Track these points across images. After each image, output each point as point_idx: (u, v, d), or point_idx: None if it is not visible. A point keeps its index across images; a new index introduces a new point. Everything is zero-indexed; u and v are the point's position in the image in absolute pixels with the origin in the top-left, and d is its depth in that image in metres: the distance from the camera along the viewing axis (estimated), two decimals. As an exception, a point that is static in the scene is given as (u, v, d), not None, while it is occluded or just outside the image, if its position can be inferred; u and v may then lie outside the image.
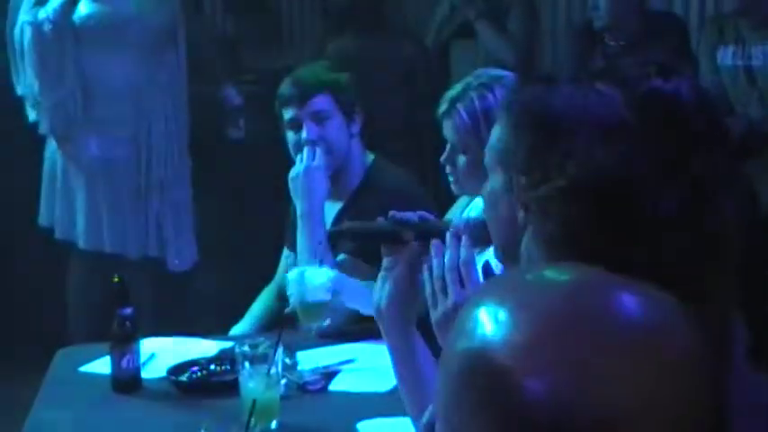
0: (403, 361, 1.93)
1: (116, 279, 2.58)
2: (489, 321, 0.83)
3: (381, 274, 1.91)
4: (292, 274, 2.61)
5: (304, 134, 2.98)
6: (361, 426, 2.30)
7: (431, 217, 1.92)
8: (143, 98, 4.00)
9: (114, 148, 3.98)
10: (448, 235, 1.80)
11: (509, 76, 2.59)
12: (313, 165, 2.95)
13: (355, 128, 3.04)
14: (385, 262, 1.91)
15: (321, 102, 2.99)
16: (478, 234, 1.74)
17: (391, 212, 1.93)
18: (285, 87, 3.03)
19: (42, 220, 4.12)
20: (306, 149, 2.97)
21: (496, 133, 1.43)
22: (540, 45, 4.99)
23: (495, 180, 1.44)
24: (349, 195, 3.05)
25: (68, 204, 4.03)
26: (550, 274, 0.88)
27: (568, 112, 1.36)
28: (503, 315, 0.83)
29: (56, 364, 2.76)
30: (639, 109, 1.21)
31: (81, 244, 4.01)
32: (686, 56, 4.25)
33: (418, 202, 2.91)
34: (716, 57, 4.25)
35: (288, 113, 3.01)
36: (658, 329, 0.83)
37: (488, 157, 1.42)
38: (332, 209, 3.05)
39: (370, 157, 3.10)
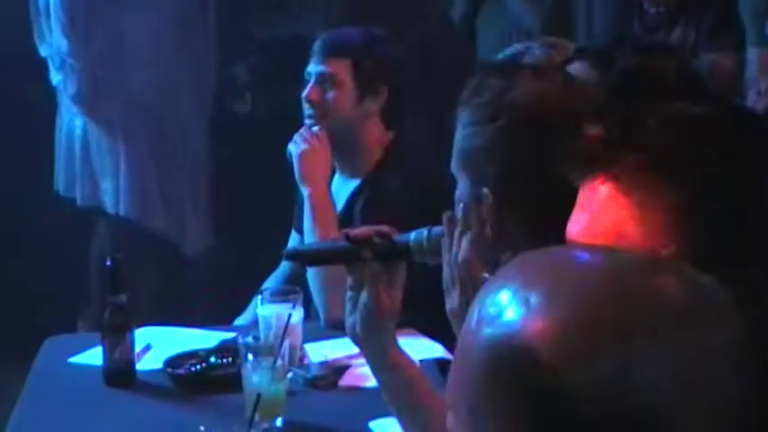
0: (389, 382, 1.92)
1: (108, 262, 2.57)
2: (517, 305, 0.80)
3: (348, 295, 1.90)
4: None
5: (305, 91, 2.98)
6: (373, 424, 2.29)
7: (388, 230, 1.89)
8: (170, 65, 4.04)
9: (139, 115, 4.01)
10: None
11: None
12: (312, 146, 2.94)
13: (372, 104, 3.00)
14: (349, 281, 1.91)
15: (336, 66, 2.98)
16: (440, 248, 1.73)
17: (344, 231, 1.93)
18: (316, 42, 3.04)
19: (63, 190, 4.18)
20: (301, 130, 2.97)
21: (458, 133, 1.44)
22: (573, 12, 4.96)
23: (462, 185, 1.46)
24: (366, 174, 3.04)
25: (90, 170, 4.08)
26: (583, 254, 0.87)
27: (537, 109, 1.37)
28: (534, 298, 0.80)
29: (43, 355, 2.74)
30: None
31: (108, 209, 4.08)
32: (731, 25, 4.21)
33: (437, 185, 2.91)
34: (764, 25, 4.22)
35: (308, 67, 3.02)
36: (701, 314, 0.82)
37: (454, 160, 1.44)
38: (348, 186, 3.04)
39: (390, 135, 3.08)
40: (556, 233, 1.14)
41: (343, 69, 2.98)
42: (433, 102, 4.56)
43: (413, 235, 1.83)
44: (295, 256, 2.30)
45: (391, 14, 4.57)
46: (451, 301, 1.73)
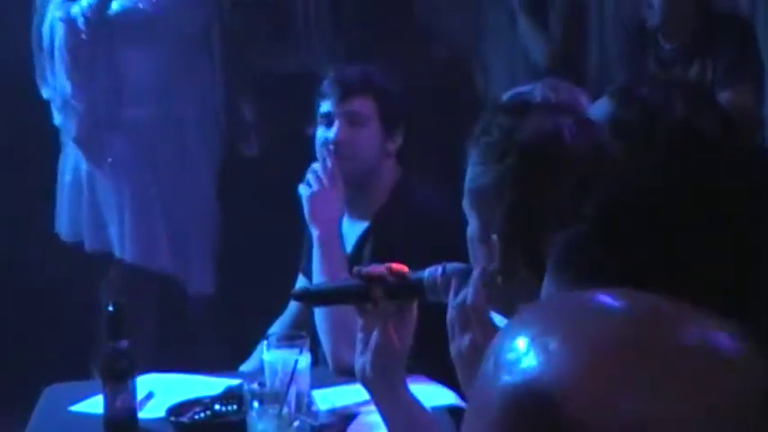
0: (399, 428, 1.91)
1: (110, 307, 2.57)
2: (536, 352, 0.79)
3: (359, 336, 1.90)
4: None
5: (332, 133, 2.97)
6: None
7: (401, 267, 1.89)
8: (174, 99, 4.06)
9: (143, 152, 4.03)
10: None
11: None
12: (325, 188, 2.94)
13: (392, 146, 3.02)
14: (360, 322, 1.90)
15: (362, 104, 2.98)
16: (457, 283, 1.73)
17: (356, 268, 1.92)
18: (329, 80, 3.02)
19: (66, 235, 4.18)
20: (316, 168, 2.96)
21: (468, 172, 1.45)
22: (585, 47, 4.98)
23: (472, 225, 1.48)
24: (374, 214, 3.04)
25: (96, 213, 4.11)
26: (605, 298, 0.86)
27: (546, 149, 1.39)
28: (553, 344, 0.79)
29: (43, 403, 2.74)
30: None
31: (117, 253, 4.10)
32: (750, 61, 4.21)
33: (448, 225, 2.91)
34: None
35: (324, 107, 3.00)
36: (727, 364, 0.81)
37: (464, 198, 1.46)
38: (356, 227, 3.04)
39: (400, 173, 3.08)
40: (568, 269, 1.14)
41: (369, 107, 2.98)
42: (442, 139, 4.58)
43: (426, 272, 1.83)
44: (304, 295, 2.29)
45: (399, 50, 4.59)
46: (457, 344, 1.72)
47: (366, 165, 2.99)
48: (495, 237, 1.41)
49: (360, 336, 1.89)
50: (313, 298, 2.23)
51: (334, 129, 2.97)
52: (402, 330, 1.86)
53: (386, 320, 1.85)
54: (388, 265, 1.88)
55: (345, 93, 2.97)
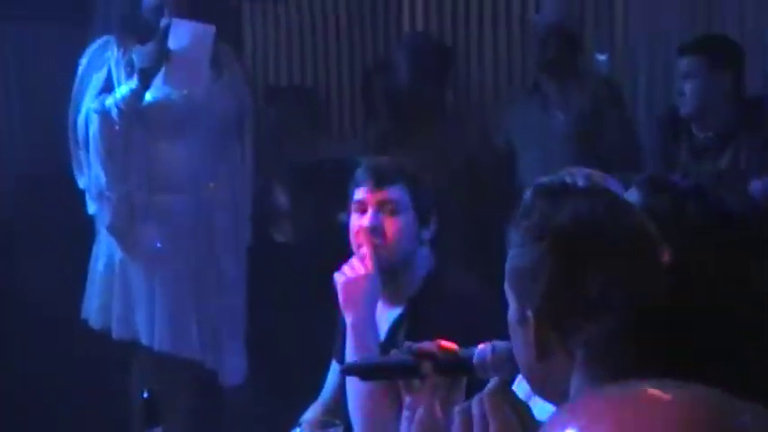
0: None
1: (145, 394, 2.59)
2: None
3: (404, 414, 1.90)
4: None
5: (366, 220, 3.00)
6: None
7: (451, 345, 1.89)
8: (206, 189, 4.11)
9: (175, 240, 4.08)
10: None
11: None
12: (361, 274, 2.96)
13: (427, 234, 3.04)
14: (406, 400, 1.90)
15: (396, 192, 3.00)
16: (505, 361, 1.73)
17: (407, 343, 1.93)
18: (362, 168, 3.05)
19: (95, 322, 4.20)
20: (353, 260, 2.98)
21: (509, 254, 1.47)
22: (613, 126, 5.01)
23: (511, 308, 1.49)
24: (408, 303, 3.05)
25: (127, 304, 4.13)
26: (652, 390, 0.86)
27: (584, 233, 1.41)
28: None
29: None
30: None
31: (144, 341, 4.11)
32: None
33: (482, 313, 2.91)
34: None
35: (358, 194, 3.02)
36: None
37: (505, 280, 1.47)
38: (390, 315, 3.04)
39: (434, 261, 3.09)
40: (600, 359, 1.15)
41: (403, 195, 3.01)
42: (475, 225, 4.60)
43: (476, 350, 1.84)
44: (353, 370, 2.28)
45: (431, 139, 4.64)
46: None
47: (400, 252, 3.01)
48: (530, 313, 1.43)
49: (405, 413, 1.89)
50: (362, 372, 2.22)
51: (368, 216, 3.00)
52: (447, 407, 1.86)
53: (432, 398, 1.85)
54: (437, 341, 1.90)
55: (379, 181, 3.00)
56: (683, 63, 4.25)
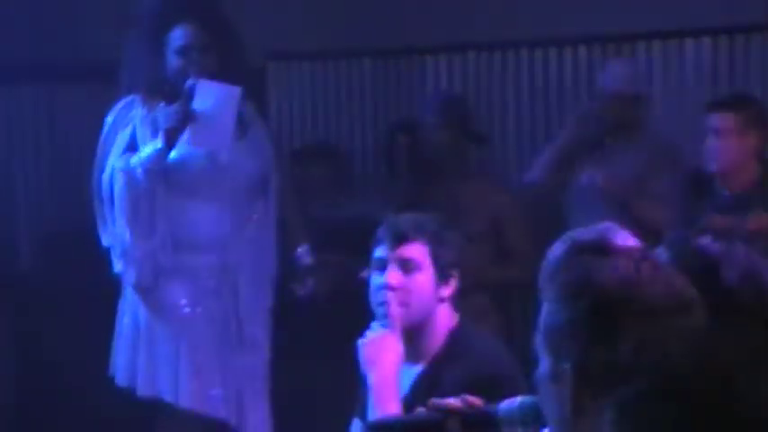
0: None
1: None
2: None
3: None
4: None
5: (385, 278, 3.01)
6: None
7: (477, 401, 1.89)
8: (230, 246, 4.12)
9: (200, 300, 4.09)
10: None
11: None
12: (383, 335, 2.96)
13: (446, 291, 3.04)
14: None
15: (415, 250, 3.02)
16: (532, 417, 1.73)
17: (432, 399, 1.93)
18: (383, 226, 3.08)
19: (121, 379, 4.21)
20: (377, 320, 2.99)
21: (545, 309, 1.47)
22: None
23: (543, 363, 1.48)
24: (430, 360, 3.04)
25: (152, 361, 4.13)
26: None
27: (624, 293, 1.41)
28: None
29: None
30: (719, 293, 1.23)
31: (168, 399, 4.11)
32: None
33: (505, 375, 2.91)
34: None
35: (378, 252, 3.05)
36: None
37: (537, 337, 1.47)
38: (411, 372, 3.04)
39: (455, 319, 3.09)
40: (631, 420, 1.15)
41: (422, 253, 3.02)
42: (499, 283, 4.59)
43: (502, 405, 1.83)
44: (379, 427, 2.27)
45: (454, 197, 4.65)
46: None
47: (420, 310, 3.02)
48: (567, 366, 1.42)
49: None
50: (388, 429, 2.22)
51: (387, 274, 3.01)
52: None
53: None
54: (463, 397, 1.89)
55: (398, 239, 3.02)
56: (716, 119, 4.24)
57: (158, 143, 4.00)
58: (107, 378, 4.27)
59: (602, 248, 1.57)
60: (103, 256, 4.21)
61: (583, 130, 4.78)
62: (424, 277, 3.02)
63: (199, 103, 3.95)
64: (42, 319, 5.06)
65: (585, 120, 4.78)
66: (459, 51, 5.58)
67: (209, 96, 3.95)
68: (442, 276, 3.03)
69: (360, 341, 2.98)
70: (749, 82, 5.19)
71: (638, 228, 4.17)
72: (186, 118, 3.95)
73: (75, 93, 5.49)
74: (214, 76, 4.02)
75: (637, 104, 4.77)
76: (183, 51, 4.07)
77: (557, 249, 1.66)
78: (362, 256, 3.19)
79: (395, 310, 2.97)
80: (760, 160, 4.27)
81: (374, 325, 2.99)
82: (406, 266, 3.01)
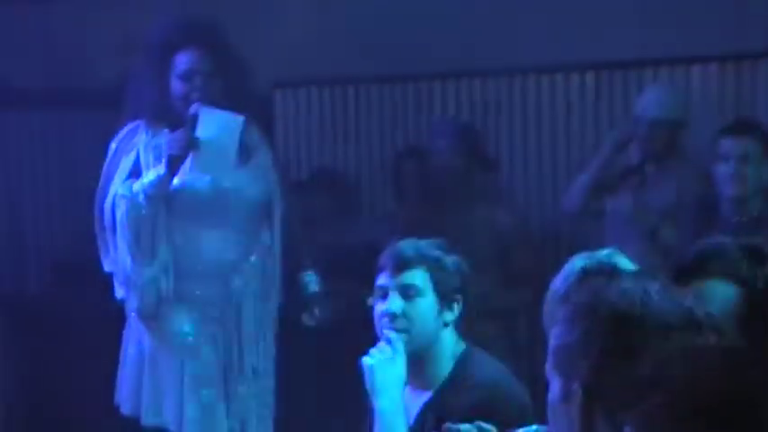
0: None
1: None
2: None
3: None
4: None
5: (387, 306, 3.00)
6: None
7: (490, 427, 1.88)
8: (234, 276, 4.09)
9: (203, 328, 4.07)
10: None
11: None
12: (388, 358, 2.95)
13: (450, 315, 3.04)
14: None
15: (415, 276, 3.01)
16: None
17: (446, 425, 1.92)
18: (384, 254, 3.08)
19: (126, 408, 4.18)
20: (380, 343, 2.98)
21: (556, 330, 1.47)
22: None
23: (554, 385, 1.48)
24: (437, 387, 3.02)
25: (156, 389, 4.11)
26: None
27: (634, 312, 1.41)
28: None
29: None
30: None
31: (171, 428, 4.08)
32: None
33: (513, 401, 2.89)
34: None
35: (380, 280, 3.05)
36: None
37: (548, 360, 1.47)
38: (418, 399, 3.02)
39: (462, 345, 3.08)
40: None
41: (423, 280, 3.01)
42: (507, 308, 4.58)
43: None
44: None
45: (462, 224, 4.64)
46: None
47: (422, 336, 3.01)
48: (576, 387, 1.42)
49: None
50: None
51: (389, 302, 3.00)
52: None
53: None
54: (478, 424, 1.89)
55: (399, 266, 3.02)
56: (731, 145, 4.22)
57: (161, 169, 3.99)
58: (112, 407, 4.24)
59: (610, 271, 1.59)
60: (109, 284, 4.20)
61: (619, 156, 4.77)
62: (425, 303, 3.01)
63: (202, 131, 3.94)
64: (47, 346, 5.04)
65: (623, 145, 4.77)
66: (465, 78, 5.58)
67: (213, 124, 3.94)
68: (444, 301, 3.02)
69: (365, 363, 2.96)
70: (756, 108, 5.18)
71: (665, 257, 4.17)
72: (189, 145, 3.95)
73: (85, 120, 5.50)
74: (218, 101, 4.01)
75: (675, 131, 4.74)
76: (186, 76, 4.06)
77: (563, 274, 1.65)
78: (369, 283, 3.18)
79: (398, 336, 2.96)
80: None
81: (378, 346, 2.98)
82: (408, 293, 3.01)
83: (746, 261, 2.07)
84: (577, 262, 2.37)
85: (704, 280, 2.03)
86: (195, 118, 3.94)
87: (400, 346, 2.95)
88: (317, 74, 5.68)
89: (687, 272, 2.05)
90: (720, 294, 2.00)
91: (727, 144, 4.23)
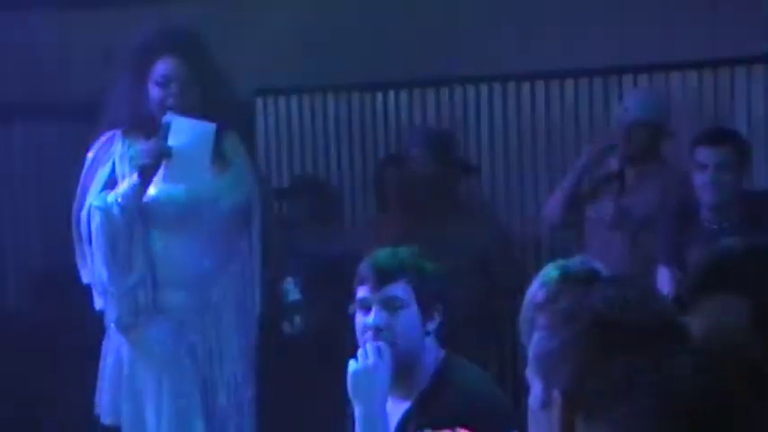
0: None
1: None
2: None
3: None
4: None
5: (370, 319, 2.98)
6: None
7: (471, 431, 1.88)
8: (213, 286, 4.08)
9: (182, 338, 4.06)
10: None
11: None
12: (373, 364, 2.94)
13: (432, 324, 3.02)
14: None
15: (397, 289, 2.99)
16: None
17: (426, 430, 1.92)
18: (364, 265, 3.04)
19: (106, 418, 4.17)
20: (366, 346, 2.97)
21: (536, 338, 1.48)
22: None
23: (534, 390, 1.49)
24: (417, 395, 3.02)
25: (135, 399, 4.10)
26: None
27: (614, 317, 1.42)
28: None
29: None
30: None
31: None
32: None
33: (493, 407, 2.89)
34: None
35: (361, 292, 3.02)
36: None
37: (528, 366, 1.48)
38: (398, 409, 3.01)
39: (442, 352, 3.07)
40: None
41: (405, 291, 2.99)
42: (485, 317, 4.58)
43: None
44: None
45: (443, 231, 4.64)
46: None
47: (406, 347, 2.99)
48: (557, 393, 1.43)
49: None
50: None
51: (372, 315, 2.99)
52: None
53: None
54: (456, 428, 1.89)
55: (381, 279, 2.99)
56: (709, 154, 4.22)
57: (134, 179, 3.98)
58: (92, 417, 4.23)
59: (589, 277, 1.60)
60: (88, 295, 4.19)
61: (601, 160, 4.76)
62: (408, 315, 2.99)
63: (174, 139, 3.93)
64: (26, 358, 5.02)
65: (604, 150, 4.75)
66: (447, 84, 5.59)
67: (184, 132, 3.94)
68: (426, 311, 3.01)
69: (349, 368, 2.95)
70: (734, 114, 5.20)
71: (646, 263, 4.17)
72: (161, 155, 3.94)
73: (64, 132, 5.48)
74: (195, 110, 4.01)
75: (656, 134, 4.73)
76: (163, 83, 4.04)
77: (538, 281, 1.66)
78: (351, 292, 3.18)
79: (385, 357, 2.94)
80: (747, 195, 4.27)
81: (361, 352, 2.97)
82: (391, 306, 2.98)
83: (756, 270, 2.02)
84: (551, 270, 2.37)
85: (719, 299, 1.97)
86: (167, 127, 3.93)
87: (387, 355, 2.94)
88: (299, 82, 5.67)
89: (700, 289, 1.99)
90: (736, 310, 1.95)
91: (705, 153, 4.23)
